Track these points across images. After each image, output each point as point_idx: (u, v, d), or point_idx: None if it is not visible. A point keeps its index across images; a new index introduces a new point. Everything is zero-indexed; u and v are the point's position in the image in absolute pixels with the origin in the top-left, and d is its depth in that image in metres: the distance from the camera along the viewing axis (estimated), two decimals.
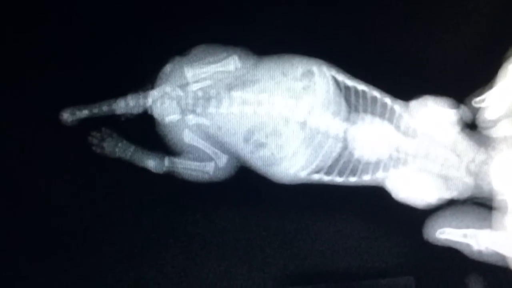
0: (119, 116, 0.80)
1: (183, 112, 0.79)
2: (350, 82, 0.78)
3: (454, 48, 0.80)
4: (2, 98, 0.80)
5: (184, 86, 0.79)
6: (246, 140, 0.78)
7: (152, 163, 0.80)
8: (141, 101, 0.79)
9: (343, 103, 0.78)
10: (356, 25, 0.80)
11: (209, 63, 0.79)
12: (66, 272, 0.80)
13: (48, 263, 0.80)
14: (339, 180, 0.78)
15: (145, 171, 0.79)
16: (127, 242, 0.80)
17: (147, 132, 0.79)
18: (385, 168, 0.78)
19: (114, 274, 0.80)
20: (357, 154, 0.78)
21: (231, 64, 0.79)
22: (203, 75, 0.79)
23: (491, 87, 0.78)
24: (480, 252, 0.78)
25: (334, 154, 0.78)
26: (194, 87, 0.79)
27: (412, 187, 0.78)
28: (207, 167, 0.79)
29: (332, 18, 0.80)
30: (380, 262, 0.80)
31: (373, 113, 0.78)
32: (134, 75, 0.79)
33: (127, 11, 0.80)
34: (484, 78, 0.78)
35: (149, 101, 0.79)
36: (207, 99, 0.78)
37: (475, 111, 0.78)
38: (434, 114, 0.78)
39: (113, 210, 0.80)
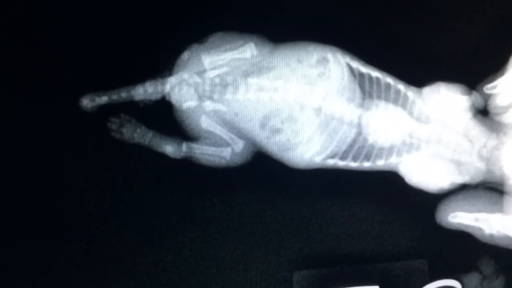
0: (138, 102, 0.81)
1: (201, 98, 0.80)
2: (364, 69, 0.80)
3: (466, 36, 0.81)
4: (22, 85, 0.81)
5: (201, 73, 0.80)
6: (262, 126, 0.79)
7: (170, 148, 0.81)
8: (159, 88, 0.80)
9: (358, 89, 0.79)
10: (370, 13, 0.81)
11: (226, 50, 0.80)
12: (85, 255, 0.81)
13: (68, 247, 0.81)
14: (353, 165, 0.79)
15: (163, 156, 0.80)
16: (146, 226, 0.81)
17: (165, 118, 0.80)
18: (399, 153, 0.79)
19: (133, 257, 0.81)
20: (371, 139, 0.79)
21: (248, 51, 0.80)
22: (220, 62, 0.80)
23: (502, 74, 0.79)
24: (491, 235, 0.79)
25: (349, 140, 0.79)
26: (211, 74, 0.80)
27: (425, 172, 0.79)
28: (224, 152, 0.81)
29: (347, 6, 0.81)
30: (394, 245, 0.81)
31: (386, 99, 0.79)
32: (153, 62, 0.80)
33: None
34: (496, 65, 0.79)
35: (167, 87, 0.80)
36: (224, 85, 0.80)
37: (487, 97, 0.79)
38: (446, 101, 0.79)
39: (132, 194, 0.81)
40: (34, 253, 0.80)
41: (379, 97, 0.79)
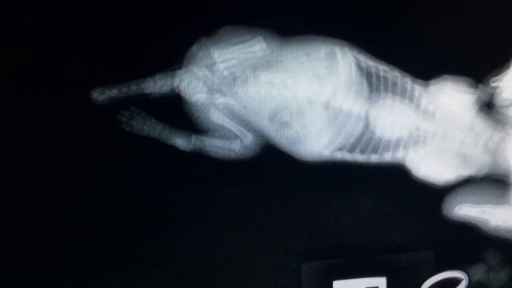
0: (148, 95, 0.81)
1: (210, 91, 0.81)
2: (372, 63, 0.80)
3: (473, 29, 0.81)
4: (32, 78, 0.82)
5: (210, 66, 0.81)
6: (271, 118, 0.80)
7: (179, 141, 0.81)
8: (169, 81, 0.81)
9: (365, 83, 0.80)
10: (377, 7, 0.82)
11: (235, 44, 0.81)
12: (94, 246, 0.81)
13: (76, 239, 0.81)
14: (361, 157, 0.80)
15: (173, 148, 0.81)
16: (155, 218, 0.82)
17: (175, 111, 0.81)
18: (406, 146, 0.80)
19: (142, 249, 0.82)
20: (378, 132, 0.80)
21: (256, 45, 0.81)
22: (229, 56, 0.81)
23: (508, 68, 0.80)
24: (497, 227, 0.80)
25: (356, 133, 0.80)
26: (220, 67, 0.81)
27: (431, 165, 0.80)
28: (233, 145, 0.81)
29: (354, 0, 0.82)
30: (401, 237, 0.82)
31: (393, 92, 0.80)
32: (162, 55, 0.81)
33: None
34: (502, 59, 0.80)
35: (177, 80, 0.81)
36: (233, 79, 0.80)
37: (493, 90, 0.80)
38: (453, 94, 0.80)
39: (142, 186, 0.82)
40: (41, 245, 0.81)
41: (386, 91, 0.80)
